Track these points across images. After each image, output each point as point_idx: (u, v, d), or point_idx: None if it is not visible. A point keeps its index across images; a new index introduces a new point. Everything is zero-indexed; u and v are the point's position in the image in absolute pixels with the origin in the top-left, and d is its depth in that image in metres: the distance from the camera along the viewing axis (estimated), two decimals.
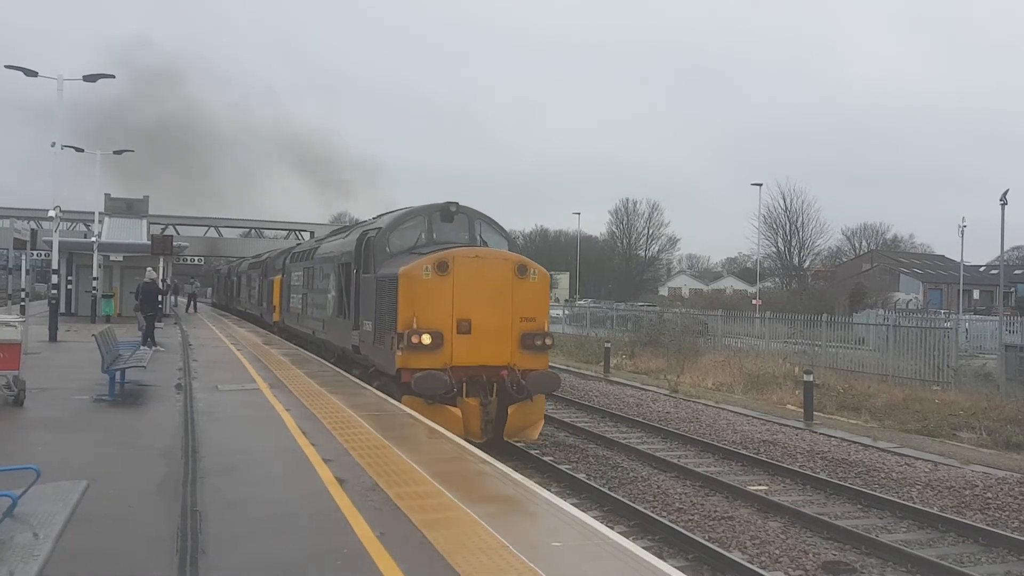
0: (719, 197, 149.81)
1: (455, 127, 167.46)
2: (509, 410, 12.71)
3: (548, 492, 7.13)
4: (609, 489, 11.58)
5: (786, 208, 76.65)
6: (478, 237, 14.60)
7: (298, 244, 32.75)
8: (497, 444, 12.65)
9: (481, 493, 6.96)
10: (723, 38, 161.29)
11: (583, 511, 6.79)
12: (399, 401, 11.98)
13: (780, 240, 78.18)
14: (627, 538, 6.15)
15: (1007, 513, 11.06)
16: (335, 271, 17.29)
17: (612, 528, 7.34)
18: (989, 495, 11.85)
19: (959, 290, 67.40)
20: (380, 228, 14.64)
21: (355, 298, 15.13)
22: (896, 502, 11.35)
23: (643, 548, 5.82)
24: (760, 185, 60.77)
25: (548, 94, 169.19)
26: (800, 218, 77.32)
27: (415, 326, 12.21)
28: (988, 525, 10.39)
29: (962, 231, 61.96)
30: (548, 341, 13.03)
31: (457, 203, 14.52)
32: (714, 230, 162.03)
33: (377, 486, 6.99)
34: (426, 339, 12.18)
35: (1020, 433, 16.47)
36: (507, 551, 5.40)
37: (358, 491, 6.82)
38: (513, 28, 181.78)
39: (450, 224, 14.49)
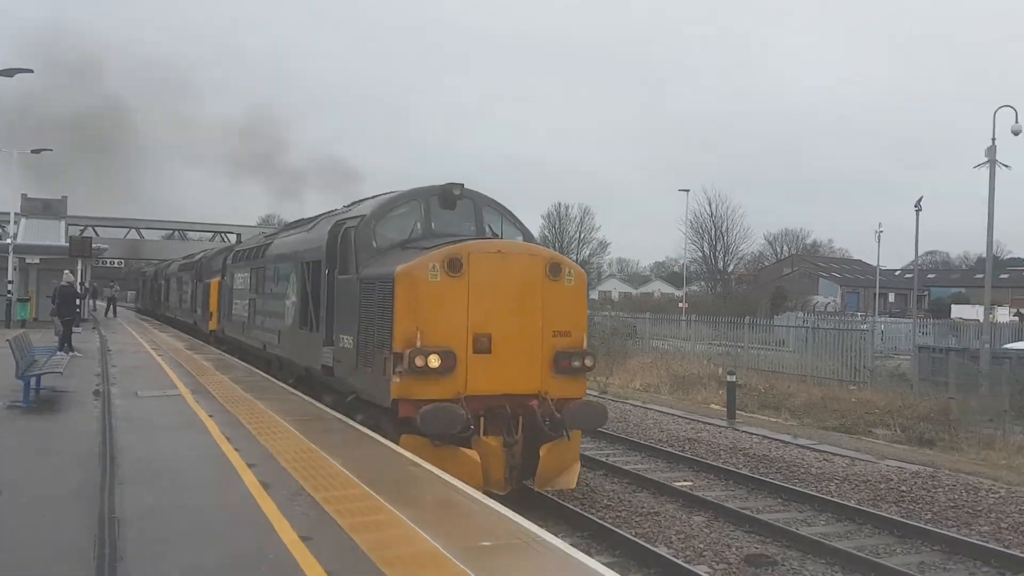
0: (648, 202, 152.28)
1: (395, 129, 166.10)
2: (541, 452, 10.09)
3: (478, 492, 7.15)
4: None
5: (712, 214, 78.47)
6: (487, 228, 11.76)
7: (239, 242, 30.78)
8: (523, 496, 10.20)
9: (411, 495, 6.93)
10: (651, 43, 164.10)
11: (513, 510, 6.82)
12: (395, 442, 9.39)
13: (706, 245, 79.97)
14: (556, 536, 6.20)
15: (920, 506, 11.52)
16: (296, 272, 14.32)
17: (541, 526, 7.38)
18: (903, 488, 12.33)
19: (875, 293, 69.89)
20: (362, 217, 11.57)
21: (327, 306, 12.25)
22: (815, 496, 11.72)
23: (571, 545, 5.88)
24: (687, 191, 62.00)
25: (486, 99, 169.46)
26: (725, 223, 79.23)
27: (419, 343, 9.51)
28: (902, 517, 10.80)
29: (879, 236, 64.33)
30: (588, 362, 10.40)
31: (462, 185, 11.57)
32: (643, 235, 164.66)
33: (303, 490, 6.90)
34: (434, 361, 9.49)
35: (932, 430, 17.19)
36: (437, 552, 5.39)
37: (284, 496, 6.71)
38: (460, 30, 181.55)
39: (451, 212, 11.61)
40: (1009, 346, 32.31)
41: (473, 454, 9.55)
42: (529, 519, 6.43)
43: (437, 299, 9.69)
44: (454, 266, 9.75)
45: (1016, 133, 25.69)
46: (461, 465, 9.24)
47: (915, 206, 36.94)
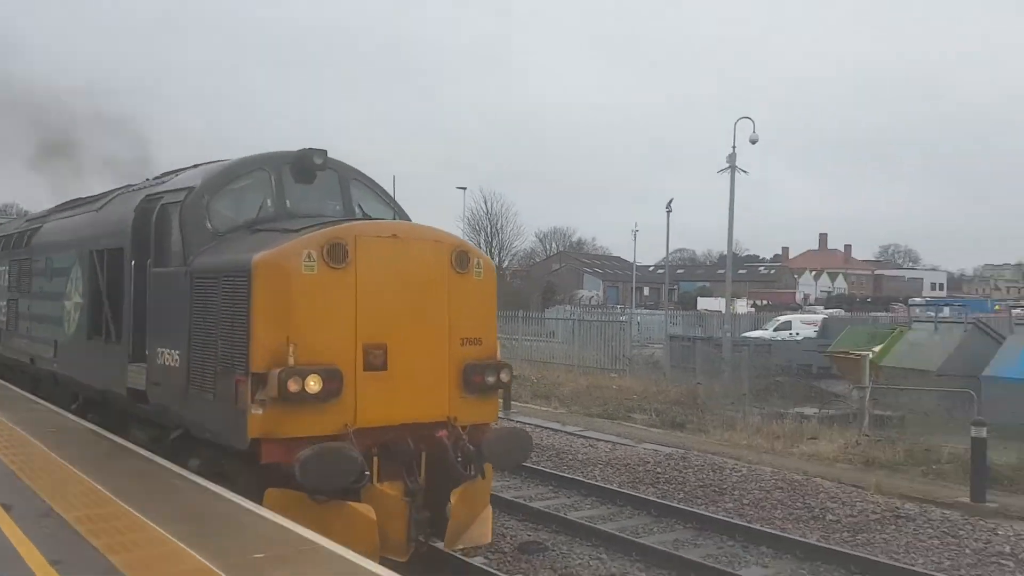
0: (428, 199, 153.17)
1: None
2: (453, 498, 7.81)
3: (250, 502, 6.85)
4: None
5: (487, 211, 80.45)
6: (356, 208, 9.33)
7: None
8: (426, 556, 8.08)
9: (175, 509, 6.51)
10: (428, 41, 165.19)
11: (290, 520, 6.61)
12: (255, 498, 6.97)
13: (483, 241, 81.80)
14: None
15: (673, 486, 12.48)
16: (82, 264, 11.06)
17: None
18: (659, 470, 13.30)
19: (632, 287, 75.03)
20: (190, 190, 8.81)
21: (135, 309, 9.40)
22: (582, 481, 12.38)
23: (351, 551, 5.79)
24: (464, 189, 63.34)
25: (260, 83, 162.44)
26: (500, 221, 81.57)
27: (292, 360, 7.04)
28: (658, 498, 11.66)
29: (635, 235, 69.21)
30: (505, 376, 8.26)
31: (324, 152, 9.08)
32: None
33: (52, 511, 6.28)
34: (314, 383, 7.01)
35: (683, 414, 18.69)
36: (205, 568, 5.11)
37: (29, 517, 6.08)
38: (220, 14, 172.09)
39: (310, 186, 9.12)
40: (747, 334, 35.97)
41: (367, 510, 7.18)
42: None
43: (315, 299, 7.32)
44: (337, 254, 7.36)
45: (753, 142, 28.53)
46: (350, 526, 7.05)
47: (666, 207, 39.95)
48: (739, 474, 12.93)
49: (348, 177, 9.42)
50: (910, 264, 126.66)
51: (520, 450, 8.34)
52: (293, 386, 6.93)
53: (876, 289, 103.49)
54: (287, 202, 8.95)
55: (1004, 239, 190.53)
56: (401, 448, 7.63)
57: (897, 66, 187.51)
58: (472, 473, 7.94)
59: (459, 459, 7.79)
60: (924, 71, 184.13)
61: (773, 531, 10.17)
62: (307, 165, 8.98)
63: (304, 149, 8.98)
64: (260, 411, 7.09)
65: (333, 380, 7.14)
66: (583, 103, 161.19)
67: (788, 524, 10.66)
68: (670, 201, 39.92)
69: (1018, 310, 48.05)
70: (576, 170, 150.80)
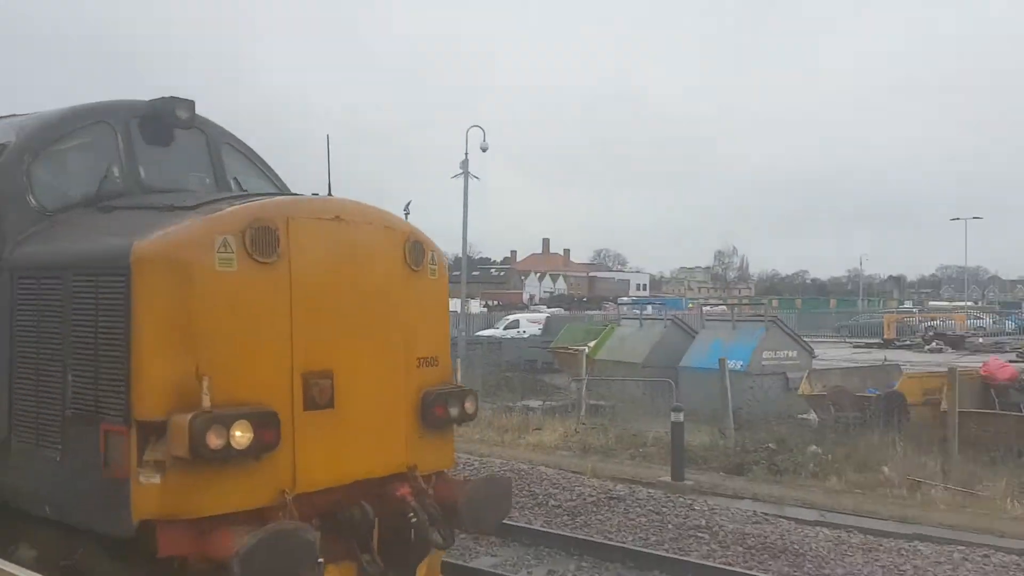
0: None
1: None
2: (419, 573, 5.94)
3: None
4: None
5: None
6: (232, 183, 6.97)
7: None
8: None
9: None
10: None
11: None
12: None
13: None
14: None
15: None
16: None
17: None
18: None
19: None
20: (2, 147, 6.00)
21: None
22: None
23: None
24: None
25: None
26: None
27: (207, 401, 4.64)
28: None
29: None
30: (470, 405, 6.26)
31: (192, 103, 6.55)
32: None
33: None
34: (242, 434, 4.71)
35: None
36: None
37: None
38: None
39: (167, 149, 6.59)
40: (481, 333, 37.48)
41: None
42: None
43: (235, 308, 5.00)
44: (264, 243, 5.08)
45: (484, 150, 29.86)
46: None
47: (404, 209, 40.50)
48: (471, 468, 13.44)
49: (219, 141, 7.01)
50: (619, 267, 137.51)
51: (506, 504, 6.33)
52: (215, 440, 4.60)
53: (591, 289, 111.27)
54: (140, 170, 6.43)
55: (696, 243, 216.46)
56: (353, 515, 5.46)
57: (607, 84, 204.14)
58: (444, 541, 5.82)
59: (427, 522, 5.70)
60: (628, 89, 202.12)
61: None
62: (166, 121, 6.49)
63: (163, 98, 6.48)
64: (157, 479, 4.73)
65: (268, 427, 4.88)
66: (321, 102, 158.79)
67: (515, 512, 11.20)
68: (408, 203, 40.51)
69: (707, 307, 54.12)
70: (315, 171, 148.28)
